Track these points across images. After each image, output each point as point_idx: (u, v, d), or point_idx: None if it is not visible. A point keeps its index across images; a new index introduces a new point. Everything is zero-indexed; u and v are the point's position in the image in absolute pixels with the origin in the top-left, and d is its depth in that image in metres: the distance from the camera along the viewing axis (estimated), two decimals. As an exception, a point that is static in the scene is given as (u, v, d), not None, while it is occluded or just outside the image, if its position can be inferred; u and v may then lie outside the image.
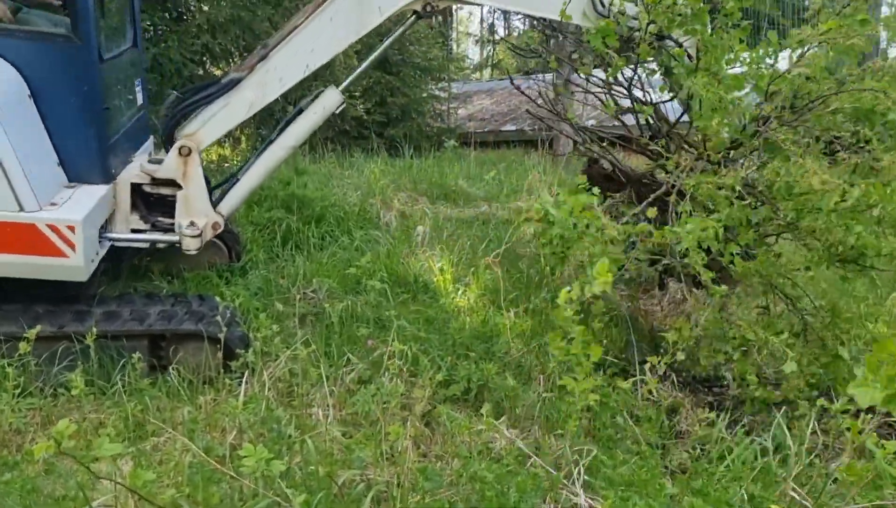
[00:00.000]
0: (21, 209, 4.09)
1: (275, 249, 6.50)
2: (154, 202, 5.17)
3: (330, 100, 5.30)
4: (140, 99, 5.77)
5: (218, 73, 9.81)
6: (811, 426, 4.06)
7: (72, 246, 4.17)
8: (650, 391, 3.91)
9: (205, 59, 10.18)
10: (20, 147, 4.12)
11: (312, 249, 6.57)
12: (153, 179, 5.02)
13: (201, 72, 10.04)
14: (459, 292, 5.76)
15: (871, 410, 2.64)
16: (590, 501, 2.88)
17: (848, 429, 2.61)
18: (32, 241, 4.12)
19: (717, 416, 4.15)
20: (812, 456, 3.54)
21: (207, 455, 2.80)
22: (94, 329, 3.83)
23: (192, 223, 4.99)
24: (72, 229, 4.16)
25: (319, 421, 3.71)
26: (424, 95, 14.45)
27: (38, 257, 4.16)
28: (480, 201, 8.71)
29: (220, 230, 5.15)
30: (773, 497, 2.72)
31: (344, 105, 5.45)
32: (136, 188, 5.03)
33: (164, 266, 5.68)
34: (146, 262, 5.70)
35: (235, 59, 10.26)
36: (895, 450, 2.62)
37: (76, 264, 4.21)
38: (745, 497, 2.57)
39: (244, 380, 3.90)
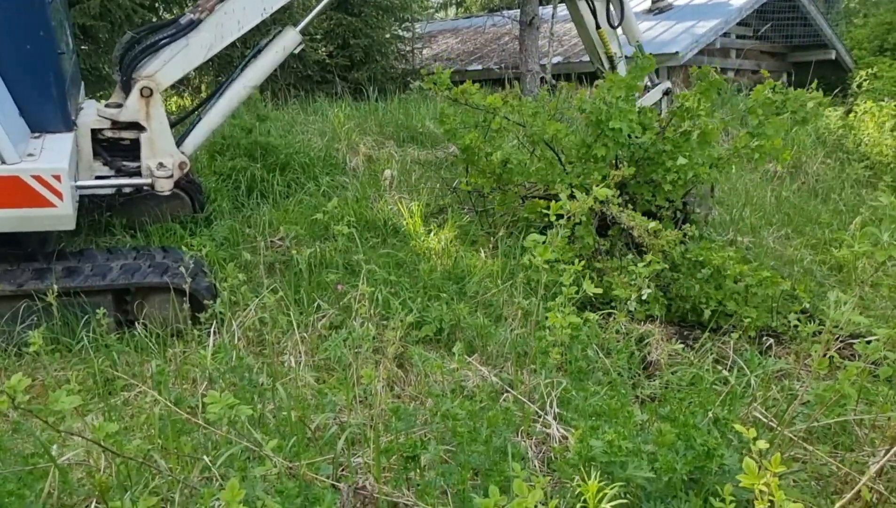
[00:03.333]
0: (3, 162, 3.98)
1: (240, 198, 6.38)
2: (111, 147, 5.07)
3: (289, 40, 5.39)
4: (71, 43, 5.59)
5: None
6: (774, 350, 4.17)
7: (59, 195, 4.09)
8: (620, 324, 3.97)
9: (157, 4, 9.79)
10: None
11: (278, 196, 6.47)
12: (114, 123, 4.92)
13: (154, 18, 9.66)
14: (430, 235, 5.73)
15: (833, 331, 2.69)
16: (562, 431, 2.92)
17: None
18: (18, 193, 4.02)
19: (685, 345, 4.24)
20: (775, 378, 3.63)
21: (178, 407, 2.77)
22: (55, 287, 3.74)
23: (161, 164, 4.97)
24: (58, 177, 4.07)
25: (291, 368, 3.70)
26: (388, 36, 14.08)
27: (25, 209, 4.06)
28: (448, 142, 8.60)
29: (186, 169, 5.11)
30: (739, 418, 2.78)
31: (303, 45, 5.52)
32: (94, 134, 4.91)
33: (126, 220, 5.55)
34: (107, 216, 5.56)
35: (189, 4, 9.87)
36: (856, 372, 2.69)
37: (64, 212, 4.14)
38: (712, 421, 2.61)
39: (213, 331, 3.86)
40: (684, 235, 4.76)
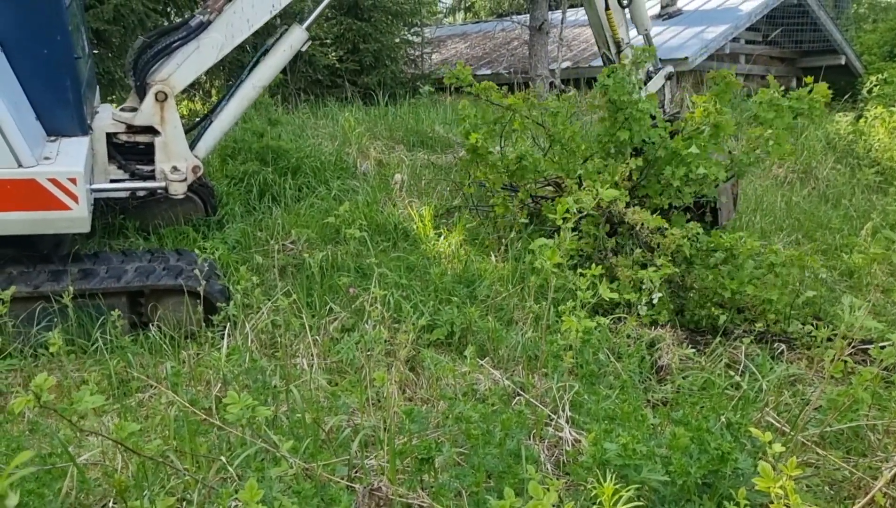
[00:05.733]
0: (20, 165, 4.00)
1: (251, 202, 6.42)
2: (126, 151, 5.11)
3: (296, 38, 5.38)
4: (87, 48, 5.64)
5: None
6: (785, 355, 4.17)
7: (74, 198, 4.11)
8: (631, 328, 3.97)
9: (168, 9, 9.87)
10: (10, 102, 4.02)
11: (289, 200, 6.50)
12: (129, 127, 4.96)
13: (166, 22, 9.73)
14: (440, 238, 5.75)
15: (845, 337, 2.69)
16: (574, 435, 2.93)
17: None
18: (34, 196, 4.04)
19: (696, 350, 4.24)
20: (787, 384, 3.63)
21: (193, 408, 2.80)
22: (71, 288, 3.78)
23: (175, 168, 5.00)
24: (73, 180, 4.09)
25: (304, 370, 3.72)
26: (397, 40, 14.15)
27: (41, 212, 4.08)
28: (458, 146, 8.63)
29: (200, 173, 5.14)
30: (752, 423, 2.78)
31: (310, 42, 5.52)
32: (109, 138, 4.96)
33: (139, 223, 5.59)
34: (121, 219, 5.61)
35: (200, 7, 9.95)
36: (870, 377, 2.69)
37: (79, 215, 4.16)
38: (725, 425, 2.62)
39: (226, 333, 3.88)
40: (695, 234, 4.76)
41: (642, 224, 4.72)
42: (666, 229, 4.70)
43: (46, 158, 4.18)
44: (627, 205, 4.89)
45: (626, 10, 6.22)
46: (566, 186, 5.18)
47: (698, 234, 4.73)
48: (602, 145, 5.30)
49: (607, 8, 6.10)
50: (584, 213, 3.65)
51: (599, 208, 4.87)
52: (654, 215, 4.81)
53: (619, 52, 6.21)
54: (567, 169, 5.33)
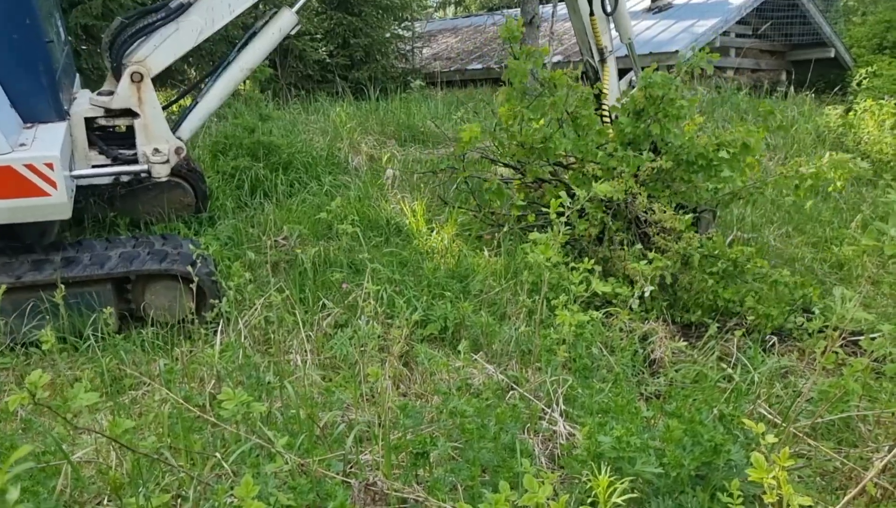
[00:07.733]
0: None
1: (243, 197, 6.41)
2: (107, 136, 5.05)
3: (285, 21, 5.31)
4: (63, 34, 5.56)
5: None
6: (777, 348, 4.19)
7: (52, 184, 4.04)
8: (623, 322, 3.99)
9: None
10: None
11: (281, 196, 6.49)
12: (107, 110, 4.90)
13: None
14: (433, 233, 5.75)
15: (836, 328, 2.71)
16: (568, 428, 2.94)
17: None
18: (11, 184, 3.98)
19: (689, 343, 4.26)
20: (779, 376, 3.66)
21: (187, 405, 2.79)
22: (54, 278, 3.72)
23: (156, 150, 4.94)
24: (50, 165, 4.03)
25: (298, 366, 3.72)
26: (388, 35, 14.13)
27: (19, 199, 4.01)
28: (449, 141, 8.63)
29: (183, 154, 5.07)
30: (744, 415, 2.80)
31: (299, 26, 5.45)
32: (89, 123, 4.90)
33: (130, 219, 5.57)
34: (112, 216, 5.58)
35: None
36: (861, 368, 2.71)
37: (59, 201, 4.09)
38: (718, 417, 2.63)
39: (219, 330, 3.87)
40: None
41: (653, 222, 4.75)
42: (683, 231, 4.70)
43: (22, 145, 4.11)
44: (650, 201, 4.90)
45: (610, 17, 6.18)
46: (587, 171, 5.13)
47: (709, 239, 4.75)
48: (622, 136, 5.27)
49: (591, 14, 6.05)
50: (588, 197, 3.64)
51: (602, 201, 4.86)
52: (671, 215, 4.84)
53: (601, 59, 6.19)
54: (584, 152, 5.28)
